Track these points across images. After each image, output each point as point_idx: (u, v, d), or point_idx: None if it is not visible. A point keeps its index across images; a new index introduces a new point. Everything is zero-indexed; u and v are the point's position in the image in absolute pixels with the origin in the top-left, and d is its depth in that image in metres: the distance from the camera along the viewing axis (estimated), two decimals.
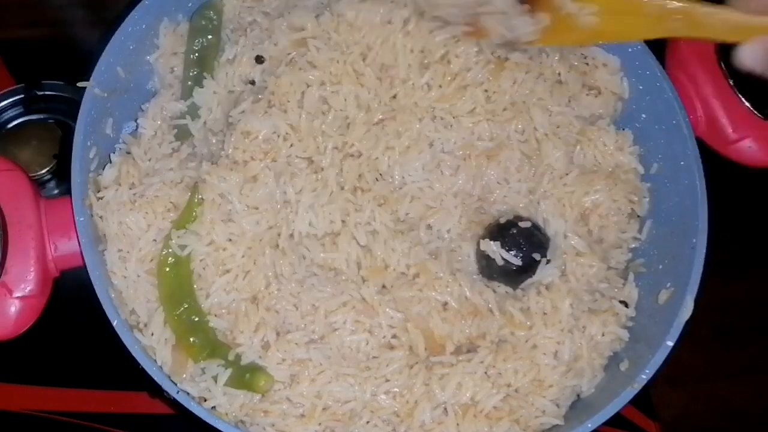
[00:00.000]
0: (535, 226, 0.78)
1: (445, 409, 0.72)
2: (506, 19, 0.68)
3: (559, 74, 0.84)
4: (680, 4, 0.59)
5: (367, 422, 0.71)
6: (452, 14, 0.72)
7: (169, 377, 0.71)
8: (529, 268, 0.76)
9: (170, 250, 0.74)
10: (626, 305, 0.79)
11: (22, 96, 1.05)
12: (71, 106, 1.01)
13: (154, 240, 0.75)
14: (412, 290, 0.74)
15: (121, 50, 0.80)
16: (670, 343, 0.72)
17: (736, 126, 0.85)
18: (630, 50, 0.84)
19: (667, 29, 0.62)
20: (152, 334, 0.72)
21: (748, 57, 0.55)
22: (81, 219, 0.73)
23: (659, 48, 0.85)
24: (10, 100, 1.05)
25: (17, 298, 0.72)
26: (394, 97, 0.80)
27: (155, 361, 0.72)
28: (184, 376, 0.71)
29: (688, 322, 0.73)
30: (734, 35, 0.56)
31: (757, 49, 0.54)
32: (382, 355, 0.73)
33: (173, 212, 0.76)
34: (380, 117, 0.79)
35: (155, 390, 0.70)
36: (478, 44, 0.81)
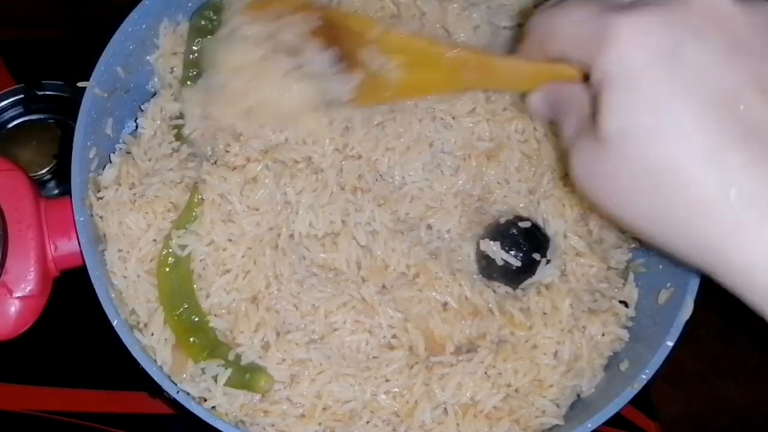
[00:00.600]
0: (535, 226, 0.78)
1: (445, 409, 0.72)
2: (324, 80, 0.70)
3: None
4: (476, 56, 0.62)
5: (367, 422, 0.71)
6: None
7: (169, 377, 0.71)
8: (529, 268, 0.76)
9: (170, 250, 0.74)
10: (626, 305, 0.79)
11: (22, 96, 1.05)
12: (71, 106, 1.01)
13: (154, 240, 0.75)
14: (412, 290, 0.74)
15: (121, 50, 0.80)
16: (670, 343, 0.72)
17: None
18: None
19: (466, 81, 0.66)
20: (152, 334, 0.72)
21: (536, 103, 0.58)
22: (81, 219, 0.73)
23: None
24: (10, 100, 1.05)
25: (17, 298, 0.72)
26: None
27: (155, 361, 0.72)
28: (184, 376, 0.71)
29: (688, 322, 0.73)
30: (525, 84, 0.59)
31: (541, 95, 0.57)
32: (382, 355, 0.73)
33: (173, 212, 0.76)
34: (380, 119, 0.79)
35: (155, 390, 0.70)
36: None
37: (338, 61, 0.68)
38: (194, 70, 0.81)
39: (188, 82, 0.81)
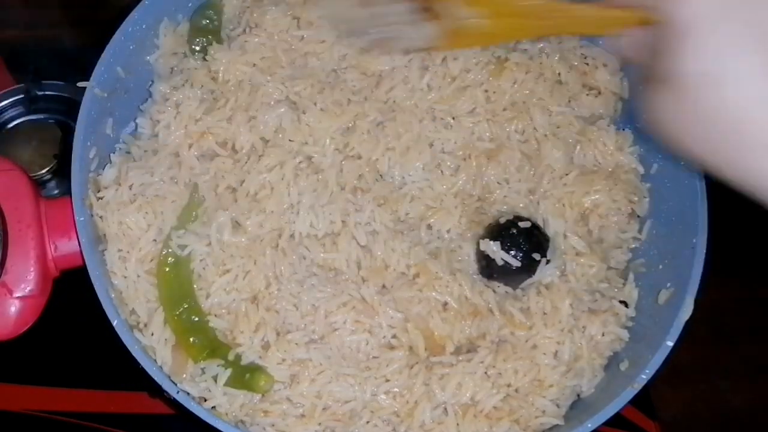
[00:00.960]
0: (535, 226, 0.78)
1: (445, 409, 0.72)
2: (405, 28, 0.74)
3: (559, 74, 0.84)
4: (559, 3, 0.64)
5: (367, 422, 0.71)
6: (359, 27, 0.77)
7: (169, 377, 0.71)
8: (528, 268, 0.76)
9: (170, 250, 0.74)
10: (626, 305, 0.79)
11: (22, 96, 1.05)
12: (71, 106, 1.01)
13: (154, 240, 0.75)
14: (412, 290, 0.74)
15: (121, 50, 0.80)
16: (670, 343, 0.72)
17: None
18: None
19: (552, 27, 0.69)
20: (152, 334, 0.72)
21: (625, 47, 0.61)
22: (81, 219, 0.73)
23: None
24: (10, 100, 1.05)
25: (17, 298, 0.72)
26: (394, 101, 0.81)
27: (155, 361, 0.72)
28: (184, 376, 0.71)
29: (688, 322, 0.73)
30: (599, 30, 0.65)
31: (631, 40, 0.60)
32: (382, 355, 0.73)
33: (173, 212, 0.75)
34: (380, 119, 0.79)
35: (155, 390, 0.70)
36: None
37: (416, 12, 0.72)
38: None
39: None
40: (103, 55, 0.78)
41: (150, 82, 0.85)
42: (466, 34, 0.70)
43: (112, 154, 0.80)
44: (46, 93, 1.05)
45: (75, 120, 0.76)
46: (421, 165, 0.79)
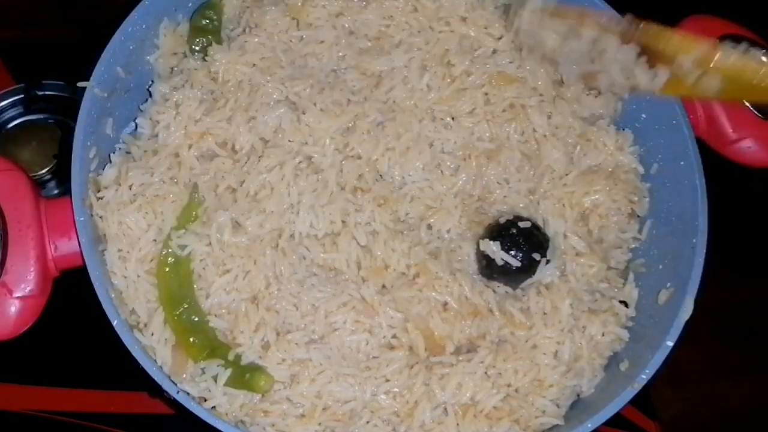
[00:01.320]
0: (535, 226, 0.78)
1: (445, 409, 0.72)
2: (625, 68, 0.74)
3: (560, 74, 0.84)
4: None
5: (367, 422, 0.71)
6: (570, 70, 0.79)
7: (169, 377, 0.71)
8: (528, 268, 0.76)
9: (170, 250, 0.74)
10: (626, 305, 0.79)
11: (22, 96, 1.05)
12: (71, 106, 1.01)
13: (154, 240, 0.75)
14: (412, 290, 0.74)
15: (121, 50, 0.80)
16: (670, 343, 0.72)
17: (736, 126, 0.85)
18: None
19: None
20: (152, 334, 0.72)
21: None
22: (81, 219, 0.73)
23: None
24: (10, 100, 1.05)
25: (17, 298, 0.72)
26: (394, 101, 0.81)
27: (155, 361, 0.72)
28: (184, 376, 0.71)
29: (687, 322, 0.73)
30: None
31: None
32: (382, 355, 0.73)
33: (173, 212, 0.75)
34: (380, 119, 0.79)
35: (155, 390, 0.70)
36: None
37: (640, 56, 0.73)
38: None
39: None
40: (103, 55, 0.78)
41: (150, 82, 0.85)
42: (688, 85, 0.70)
43: (112, 154, 0.80)
44: (46, 93, 1.05)
45: (75, 120, 0.76)
46: (421, 165, 0.79)
